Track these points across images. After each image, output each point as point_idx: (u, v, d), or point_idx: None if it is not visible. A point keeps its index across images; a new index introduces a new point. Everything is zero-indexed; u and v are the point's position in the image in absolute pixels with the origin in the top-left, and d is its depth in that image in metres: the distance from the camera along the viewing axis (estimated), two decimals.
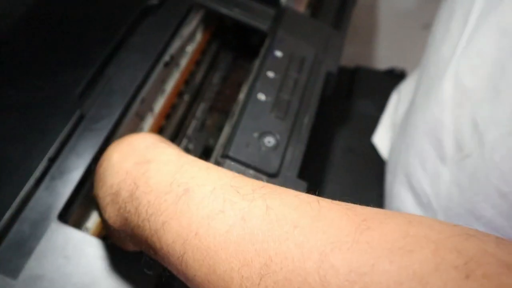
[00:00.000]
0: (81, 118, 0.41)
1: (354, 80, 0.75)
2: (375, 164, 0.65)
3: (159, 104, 0.55)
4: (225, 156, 0.40)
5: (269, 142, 0.42)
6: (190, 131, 0.59)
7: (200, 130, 0.59)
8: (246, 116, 0.42)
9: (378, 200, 0.61)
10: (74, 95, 0.43)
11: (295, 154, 0.43)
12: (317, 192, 0.29)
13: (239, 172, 0.39)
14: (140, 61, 0.46)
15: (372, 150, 0.66)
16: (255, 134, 0.41)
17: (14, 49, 0.46)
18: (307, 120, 0.45)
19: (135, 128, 0.50)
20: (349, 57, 0.94)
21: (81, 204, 0.41)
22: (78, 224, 0.42)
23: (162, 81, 0.55)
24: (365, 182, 0.63)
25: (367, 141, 0.67)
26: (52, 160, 0.39)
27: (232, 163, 0.40)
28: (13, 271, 0.33)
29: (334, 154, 0.65)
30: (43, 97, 0.42)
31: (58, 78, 0.44)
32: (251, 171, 0.40)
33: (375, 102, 0.72)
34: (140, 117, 0.51)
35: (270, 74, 0.46)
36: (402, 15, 1.06)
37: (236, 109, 0.45)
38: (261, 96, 0.44)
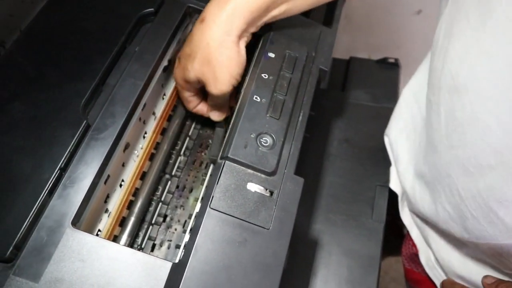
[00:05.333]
0: (87, 128, 0.44)
1: (348, 71, 0.77)
2: (371, 153, 0.67)
3: (161, 108, 0.57)
4: (224, 157, 0.42)
5: (266, 142, 0.44)
6: (191, 131, 0.61)
7: (201, 129, 0.62)
8: (243, 118, 0.45)
9: (375, 189, 0.63)
10: (79, 107, 0.45)
11: (292, 152, 0.45)
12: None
13: (238, 172, 0.42)
14: (139, 69, 0.49)
15: (368, 139, 0.68)
16: (253, 135, 0.44)
17: (17, 65, 0.48)
18: (301, 118, 0.48)
19: (140, 132, 0.53)
20: (343, 47, 0.96)
21: (92, 210, 0.44)
22: (91, 227, 0.45)
23: (162, 85, 0.57)
24: (363, 171, 0.65)
25: (363, 130, 0.69)
26: (63, 170, 0.41)
27: (232, 163, 0.42)
28: (35, 275, 0.36)
29: (331, 145, 0.67)
30: (50, 110, 0.45)
31: (62, 90, 0.46)
32: (250, 171, 0.42)
33: (369, 92, 0.74)
34: (143, 121, 0.53)
35: (264, 75, 0.48)
36: (395, 2, 1.07)
37: (234, 111, 0.47)
38: (257, 98, 0.46)
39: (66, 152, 0.42)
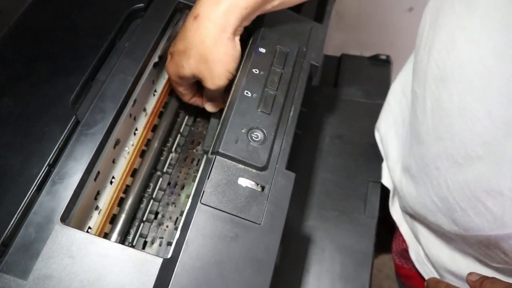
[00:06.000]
0: (76, 124, 0.43)
1: (340, 67, 0.77)
2: (364, 149, 0.67)
3: (152, 104, 0.57)
4: (215, 152, 0.42)
5: (257, 137, 0.44)
6: (182, 127, 0.61)
7: (192, 126, 0.61)
8: (234, 113, 0.44)
9: (367, 185, 0.63)
10: (68, 102, 0.44)
11: (283, 147, 0.45)
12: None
13: (229, 167, 0.42)
14: (130, 64, 0.48)
15: (360, 136, 0.68)
16: (243, 130, 0.43)
17: (6, 61, 0.47)
18: (292, 113, 0.48)
19: (130, 128, 0.52)
20: (335, 45, 0.95)
21: (82, 206, 0.43)
22: (81, 225, 0.45)
23: (153, 81, 0.57)
24: (355, 168, 0.65)
25: (355, 126, 0.69)
26: (51, 166, 0.41)
27: (222, 159, 0.42)
28: (23, 272, 0.35)
29: (323, 142, 0.67)
30: (38, 105, 0.44)
31: (51, 86, 0.46)
32: (241, 166, 0.42)
33: (361, 88, 0.74)
34: (134, 117, 0.53)
35: (255, 71, 0.48)
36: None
37: (225, 106, 0.47)
38: (248, 93, 0.46)
39: (55, 148, 0.42)
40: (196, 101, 0.58)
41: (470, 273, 0.49)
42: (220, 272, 0.37)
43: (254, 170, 0.42)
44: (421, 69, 0.48)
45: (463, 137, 0.41)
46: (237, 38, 0.49)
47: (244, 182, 0.41)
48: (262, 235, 0.39)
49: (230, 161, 0.42)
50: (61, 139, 0.42)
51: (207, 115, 0.59)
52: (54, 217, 0.38)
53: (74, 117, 0.43)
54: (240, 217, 0.40)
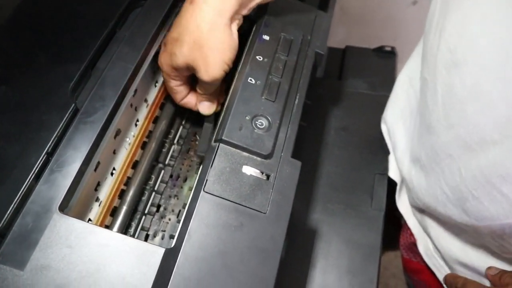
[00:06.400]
0: (75, 112, 0.42)
1: (344, 59, 0.76)
2: (370, 142, 0.66)
3: (153, 95, 0.56)
4: (218, 140, 0.41)
5: (261, 124, 0.42)
6: (184, 119, 0.60)
7: (194, 117, 0.60)
8: (237, 100, 0.43)
9: (374, 177, 0.62)
10: (67, 90, 0.43)
11: (288, 135, 0.43)
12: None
13: (232, 155, 0.40)
14: (130, 52, 0.47)
15: (366, 128, 0.67)
16: (247, 117, 0.42)
17: (4, 49, 0.46)
18: (298, 101, 0.46)
19: (131, 119, 0.51)
20: (339, 39, 0.94)
21: (82, 197, 0.42)
22: (81, 216, 0.43)
23: (154, 72, 0.56)
24: (361, 160, 0.64)
25: (360, 119, 0.68)
26: (50, 155, 0.40)
27: (226, 146, 0.40)
28: (20, 262, 0.34)
29: (328, 134, 0.66)
30: (37, 93, 0.43)
31: (50, 74, 0.45)
32: (245, 153, 0.41)
33: (366, 80, 0.72)
34: (135, 107, 0.51)
35: (259, 58, 0.47)
36: None
37: (228, 94, 0.46)
38: (252, 80, 0.45)
39: (54, 136, 0.40)
40: (189, 102, 0.54)
41: (489, 268, 0.48)
42: (224, 262, 0.36)
43: (258, 158, 0.41)
44: (431, 55, 0.47)
45: (477, 122, 0.40)
46: (234, 27, 0.47)
47: (248, 170, 0.40)
48: (267, 225, 0.38)
49: (234, 148, 0.41)
50: (59, 127, 0.41)
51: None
52: (52, 206, 0.37)
53: (73, 105, 0.42)
54: (245, 206, 0.38)
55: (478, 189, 0.42)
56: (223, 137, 0.40)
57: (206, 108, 0.53)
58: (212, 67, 0.45)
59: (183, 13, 0.46)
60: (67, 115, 0.41)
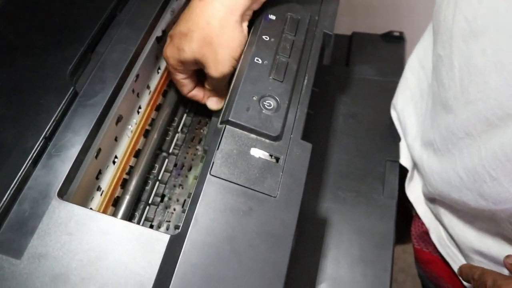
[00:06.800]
0: (75, 95, 0.40)
1: (351, 46, 0.74)
2: (379, 128, 0.63)
3: (155, 81, 0.54)
4: (225, 121, 0.39)
5: (269, 105, 0.40)
6: (188, 107, 0.58)
7: (198, 105, 0.58)
8: (244, 80, 0.41)
9: (385, 164, 0.60)
10: (66, 73, 0.41)
11: (298, 116, 0.41)
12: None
13: (240, 137, 0.38)
14: (131, 34, 0.45)
15: (375, 114, 0.65)
16: (255, 98, 0.40)
17: (2, 31, 0.44)
18: (307, 82, 0.44)
19: (133, 105, 0.49)
20: (345, 26, 0.92)
21: (83, 185, 0.40)
22: (82, 205, 0.41)
23: (157, 57, 0.54)
24: (371, 147, 0.61)
25: (369, 105, 0.66)
26: (48, 139, 0.38)
27: (233, 128, 0.38)
28: (17, 251, 0.32)
29: (336, 121, 0.64)
30: (34, 77, 0.41)
31: (49, 57, 0.43)
32: (253, 135, 0.39)
33: (374, 66, 0.70)
34: (137, 94, 0.49)
35: (266, 37, 0.45)
36: None
37: (234, 75, 0.44)
38: (258, 60, 0.43)
39: (52, 120, 0.38)
40: (196, 95, 0.53)
41: (508, 256, 0.46)
42: (233, 248, 0.34)
43: (267, 140, 0.39)
44: (445, 28, 0.45)
45: (499, 95, 0.37)
46: (245, 24, 0.46)
47: (257, 152, 0.38)
48: (278, 209, 0.36)
49: (241, 130, 0.39)
50: (58, 110, 0.39)
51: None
52: (51, 192, 0.35)
53: (72, 88, 0.40)
54: (254, 190, 0.36)
55: (498, 169, 0.40)
56: (229, 118, 0.38)
57: (214, 103, 0.51)
58: (221, 63, 0.44)
59: (193, 8, 0.45)
60: (65, 98, 0.40)
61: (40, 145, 0.37)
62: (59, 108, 0.39)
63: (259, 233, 0.35)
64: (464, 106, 0.42)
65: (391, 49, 0.72)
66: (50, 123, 0.38)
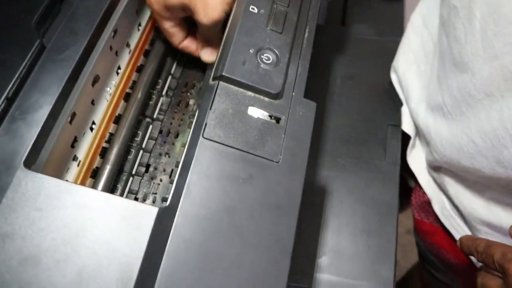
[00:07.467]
0: (42, 49, 0.34)
1: (347, 4, 0.69)
2: (379, 91, 0.59)
3: (135, 39, 0.48)
4: (218, 77, 0.34)
5: (268, 58, 0.35)
6: (173, 68, 0.52)
7: (185, 66, 0.53)
8: (239, 30, 0.36)
9: (386, 129, 0.56)
10: (30, 24, 0.35)
11: (299, 72, 0.37)
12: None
13: (235, 94, 0.33)
14: None
15: (374, 76, 0.60)
16: (251, 50, 0.35)
17: None
18: (308, 34, 0.39)
19: (111, 65, 0.44)
20: None
21: (56, 154, 0.35)
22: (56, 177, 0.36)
23: (137, 11, 0.48)
24: (371, 111, 0.57)
25: (368, 66, 0.61)
26: (11, 100, 0.32)
27: (227, 85, 0.33)
28: None
29: (334, 83, 0.59)
30: None
31: (11, 5, 0.37)
32: (250, 93, 0.34)
33: (372, 26, 0.65)
34: (115, 52, 0.44)
35: None
36: None
37: (227, 25, 0.38)
38: (254, 9, 0.37)
39: (15, 78, 0.33)
40: (188, 46, 0.48)
41: None
42: (232, 220, 0.29)
43: (266, 98, 0.34)
44: None
45: None
46: None
47: (255, 112, 0.33)
48: (281, 175, 0.32)
49: (236, 87, 0.34)
50: (22, 66, 0.33)
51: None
52: (15, 161, 0.30)
53: (38, 41, 0.35)
54: (253, 154, 0.32)
55: None
56: (223, 73, 0.33)
57: (208, 54, 0.46)
58: (211, 8, 0.39)
59: None
60: (31, 52, 0.34)
61: (2, 106, 0.31)
62: (24, 64, 0.33)
63: (261, 203, 0.30)
64: (486, 62, 0.38)
65: (390, 7, 0.68)
66: (13, 81, 0.33)
